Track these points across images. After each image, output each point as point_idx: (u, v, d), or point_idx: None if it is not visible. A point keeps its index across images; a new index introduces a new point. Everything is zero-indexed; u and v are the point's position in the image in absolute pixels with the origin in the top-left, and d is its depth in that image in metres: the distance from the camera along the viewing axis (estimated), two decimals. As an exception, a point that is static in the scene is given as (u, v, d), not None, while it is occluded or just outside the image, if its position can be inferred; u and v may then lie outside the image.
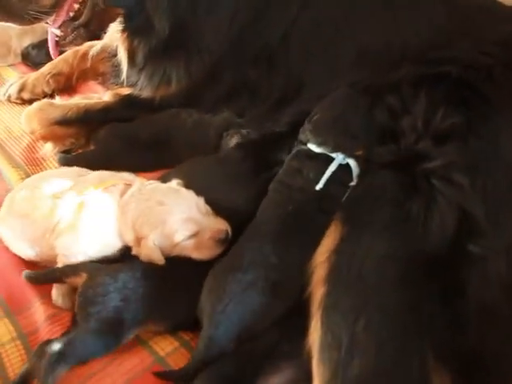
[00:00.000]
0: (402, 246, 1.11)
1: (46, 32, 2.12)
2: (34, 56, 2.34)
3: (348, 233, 1.16)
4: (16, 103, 2.12)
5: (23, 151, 1.87)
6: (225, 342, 1.17)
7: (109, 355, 1.22)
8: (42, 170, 1.78)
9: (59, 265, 1.35)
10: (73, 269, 1.31)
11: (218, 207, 1.38)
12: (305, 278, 1.16)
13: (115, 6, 1.78)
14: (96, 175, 1.49)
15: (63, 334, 1.23)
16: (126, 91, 1.89)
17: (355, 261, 1.11)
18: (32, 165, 1.82)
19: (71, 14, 1.90)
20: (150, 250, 1.29)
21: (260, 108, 1.71)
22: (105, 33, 1.95)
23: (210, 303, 1.20)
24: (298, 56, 1.68)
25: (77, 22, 1.92)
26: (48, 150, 1.85)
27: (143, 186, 1.40)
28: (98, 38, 2.03)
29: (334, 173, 1.31)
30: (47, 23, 1.92)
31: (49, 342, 1.19)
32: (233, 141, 1.62)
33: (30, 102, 2.02)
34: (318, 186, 1.30)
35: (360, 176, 1.28)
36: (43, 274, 1.37)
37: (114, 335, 1.22)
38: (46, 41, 2.15)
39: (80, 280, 1.28)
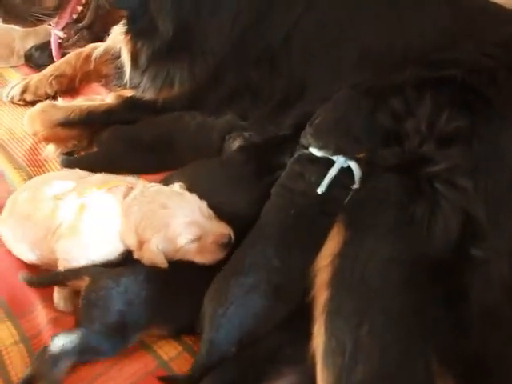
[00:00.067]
0: (405, 250, 1.11)
1: (49, 34, 2.12)
2: (37, 58, 2.34)
3: (351, 236, 1.15)
4: (19, 105, 2.12)
5: (26, 153, 1.86)
6: (226, 345, 1.16)
7: (112, 359, 1.22)
8: (44, 172, 1.78)
9: (60, 269, 1.34)
10: (75, 272, 1.31)
11: (220, 211, 1.37)
12: (308, 281, 1.16)
13: (119, 8, 1.79)
14: (98, 177, 1.48)
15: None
16: (128, 93, 1.89)
17: (359, 264, 1.10)
18: (34, 166, 1.82)
19: (74, 16, 1.90)
20: (153, 253, 1.29)
21: (262, 110, 1.71)
22: (108, 35, 1.95)
23: (211, 307, 1.20)
24: (301, 57, 1.68)
25: (80, 24, 1.93)
26: (50, 151, 1.85)
27: (146, 188, 1.40)
28: (102, 39, 2.03)
29: (335, 176, 1.31)
30: (50, 25, 1.92)
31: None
32: (235, 144, 1.61)
33: (33, 103, 2.01)
34: (320, 190, 1.30)
35: (363, 179, 1.28)
36: (45, 277, 1.37)
37: (119, 337, 1.22)
38: (48, 43, 2.16)
39: (83, 283, 1.28)
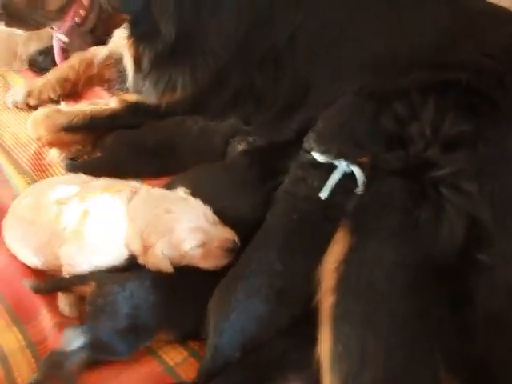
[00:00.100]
0: (410, 254, 1.11)
1: (52, 38, 2.13)
2: (41, 62, 2.34)
3: (356, 241, 1.15)
4: (22, 109, 2.12)
5: (30, 158, 1.87)
6: (229, 350, 1.16)
7: (117, 364, 1.22)
8: (48, 177, 1.78)
9: (64, 274, 1.34)
10: (81, 278, 1.31)
11: (224, 215, 1.37)
12: (312, 286, 1.16)
13: (121, 12, 1.78)
14: (102, 182, 1.48)
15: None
16: (131, 97, 1.89)
17: (364, 269, 1.10)
18: (38, 171, 1.82)
19: (77, 20, 1.91)
20: (158, 258, 1.29)
21: (266, 114, 1.71)
22: (110, 38, 1.95)
23: (215, 312, 1.20)
24: (305, 59, 1.67)
25: (83, 28, 1.93)
26: (54, 156, 1.85)
27: (150, 193, 1.40)
28: (104, 43, 2.03)
29: (338, 181, 1.31)
30: (53, 29, 1.93)
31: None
32: (239, 148, 1.61)
33: (36, 108, 2.01)
34: (323, 195, 1.30)
35: (368, 183, 1.28)
36: (50, 283, 1.36)
37: (133, 337, 1.22)
38: (52, 47, 2.16)
39: (88, 289, 1.28)
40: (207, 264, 1.32)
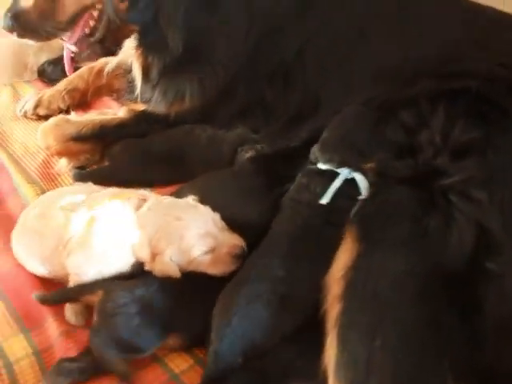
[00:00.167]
0: (419, 262, 1.10)
1: (62, 49, 2.15)
2: (50, 72, 2.36)
3: (364, 249, 1.14)
4: (32, 119, 2.13)
5: (39, 167, 1.87)
6: (230, 356, 1.15)
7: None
8: (56, 186, 1.79)
9: (71, 284, 1.34)
10: (88, 287, 1.31)
11: (232, 222, 1.38)
12: (319, 294, 1.15)
13: (130, 23, 1.80)
14: (110, 191, 1.48)
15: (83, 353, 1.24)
16: (140, 107, 1.90)
17: (372, 277, 1.09)
18: (47, 180, 1.82)
19: (87, 31, 1.92)
20: (167, 265, 1.29)
21: (275, 125, 1.71)
22: (120, 49, 1.97)
23: (218, 317, 1.19)
24: (315, 73, 1.68)
25: (92, 39, 1.95)
26: (63, 165, 1.85)
27: (159, 200, 1.40)
28: (113, 54, 2.04)
29: (341, 187, 1.32)
30: (63, 39, 1.95)
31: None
32: (247, 155, 1.61)
33: (46, 117, 2.03)
34: (324, 200, 1.31)
35: (377, 191, 1.26)
36: (58, 294, 1.36)
37: (151, 333, 1.22)
38: (61, 57, 2.18)
39: (95, 298, 1.27)
40: (215, 270, 1.32)
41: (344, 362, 1.03)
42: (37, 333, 1.32)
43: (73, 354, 1.25)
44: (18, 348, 1.28)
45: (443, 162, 1.21)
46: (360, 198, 1.29)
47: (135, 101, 1.94)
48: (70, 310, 1.34)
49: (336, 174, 1.35)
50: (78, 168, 1.83)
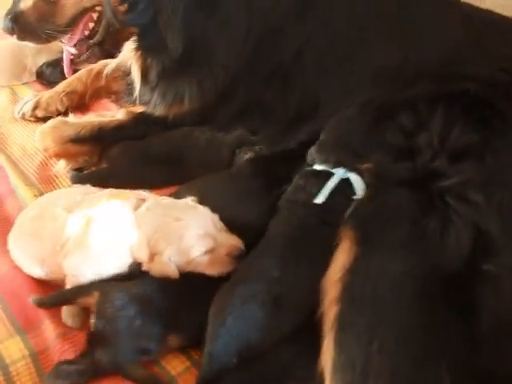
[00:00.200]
0: (417, 265, 1.10)
1: (61, 51, 2.15)
2: (49, 74, 2.35)
3: (362, 251, 1.14)
4: (30, 121, 2.13)
5: (36, 169, 1.87)
6: (224, 356, 1.15)
7: (119, 374, 1.20)
8: (54, 188, 1.79)
9: (68, 285, 1.34)
10: (84, 289, 1.30)
11: (230, 223, 1.38)
12: (317, 296, 1.15)
13: (129, 25, 1.79)
14: (108, 191, 1.48)
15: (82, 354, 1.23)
16: (139, 109, 1.90)
17: (369, 279, 1.09)
18: (45, 182, 1.82)
19: (86, 33, 1.94)
20: (165, 265, 1.28)
21: (274, 127, 1.71)
22: (119, 51, 1.97)
23: (212, 318, 1.19)
24: (314, 74, 1.68)
25: (91, 41, 1.96)
26: (61, 167, 1.85)
27: (159, 200, 1.40)
28: (113, 56, 2.05)
29: (337, 187, 1.33)
30: (62, 42, 1.95)
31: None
32: (245, 157, 1.62)
33: (44, 119, 2.03)
34: (319, 200, 1.31)
35: (376, 194, 1.26)
36: (54, 297, 1.35)
37: (155, 336, 1.22)
38: (60, 59, 2.19)
39: (92, 300, 1.27)
40: (213, 270, 1.32)
41: (341, 364, 1.03)
42: (33, 335, 1.31)
43: (70, 356, 1.24)
44: (15, 350, 1.27)
45: (441, 164, 1.21)
46: (355, 197, 1.29)
47: (134, 103, 1.94)
48: (66, 311, 1.34)
49: (331, 175, 1.35)
50: (76, 170, 1.83)
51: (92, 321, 1.24)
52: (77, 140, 1.84)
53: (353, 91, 1.59)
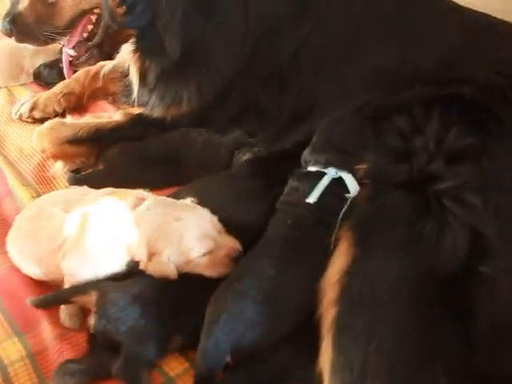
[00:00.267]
0: (414, 267, 1.11)
1: (59, 52, 2.15)
2: (46, 75, 2.35)
3: (360, 253, 1.15)
4: (27, 122, 2.13)
5: (34, 170, 1.87)
6: (217, 352, 1.15)
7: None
8: (52, 189, 1.79)
9: (66, 285, 1.34)
10: (81, 288, 1.30)
11: (229, 224, 1.38)
12: (315, 298, 1.16)
13: (128, 28, 1.80)
14: (106, 190, 1.48)
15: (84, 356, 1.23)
16: (136, 111, 1.90)
17: (367, 281, 1.10)
18: (42, 183, 1.82)
19: (85, 35, 1.94)
20: (164, 265, 1.28)
21: (270, 128, 1.71)
22: (118, 53, 1.97)
23: (207, 317, 1.19)
24: (310, 74, 1.68)
25: (90, 43, 1.96)
26: (58, 168, 1.85)
27: (159, 200, 1.40)
28: (111, 58, 2.05)
29: (330, 187, 1.34)
30: (61, 44, 1.95)
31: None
32: (244, 158, 1.62)
33: (42, 120, 2.03)
34: (311, 199, 1.32)
35: (373, 196, 1.27)
36: (51, 296, 1.35)
37: (157, 335, 1.21)
38: (57, 61, 2.20)
39: (89, 299, 1.27)
40: (212, 272, 1.31)
41: (339, 365, 1.04)
42: (31, 335, 1.31)
43: (67, 356, 1.24)
44: (13, 351, 1.27)
45: (438, 167, 1.22)
46: (348, 195, 1.30)
47: (132, 105, 1.94)
48: (64, 312, 1.34)
49: (324, 175, 1.36)
50: (74, 171, 1.83)
51: (91, 322, 1.24)
52: (74, 141, 1.84)
53: (350, 92, 1.59)
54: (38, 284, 1.43)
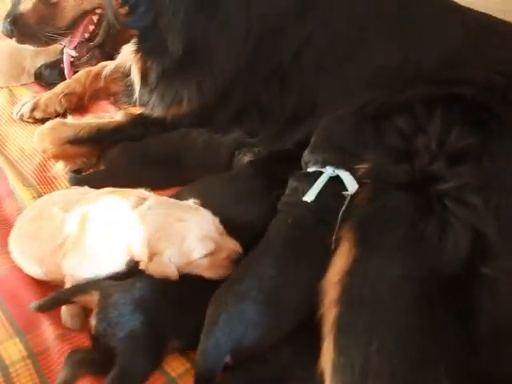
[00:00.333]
0: (415, 267, 1.11)
1: (60, 53, 2.16)
2: (47, 76, 2.36)
3: (361, 253, 1.15)
4: (28, 122, 2.13)
5: (35, 170, 1.88)
6: (216, 352, 1.15)
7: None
8: (53, 189, 1.79)
9: (67, 285, 1.34)
10: (82, 288, 1.30)
11: (231, 225, 1.38)
12: (316, 298, 1.15)
13: (130, 28, 1.80)
14: (107, 189, 1.48)
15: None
16: (137, 111, 1.90)
17: (368, 282, 1.10)
18: (43, 184, 1.83)
19: (86, 35, 1.94)
20: (165, 265, 1.28)
21: (272, 128, 1.71)
22: (119, 53, 1.97)
23: (207, 318, 1.19)
24: (312, 73, 1.68)
25: (92, 43, 1.97)
26: (59, 168, 1.86)
27: (161, 200, 1.40)
28: (113, 58, 2.05)
29: (328, 185, 1.33)
30: (62, 44, 1.96)
31: None
32: (245, 159, 1.62)
33: (43, 121, 2.03)
34: (308, 198, 1.32)
35: (374, 196, 1.27)
36: (52, 298, 1.34)
37: (154, 347, 1.21)
38: (58, 61, 2.20)
39: (90, 298, 1.26)
40: (212, 273, 1.31)
41: (340, 366, 1.04)
42: (32, 336, 1.32)
43: (68, 357, 1.24)
44: (14, 351, 1.27)
45: (439, 167, 1.22)
46: (346, 193, 1.30)
47: (133, 104, 1.94)
48: (66, 312, 1.34)
49: (321, 174, 1.36)
50: (75, 172, 1.83)
51: (92, 323, 1.23)
52: (75, 141, 1.84)
53: (352, 91, 1.59)
54: (40, 284, 1.43)
